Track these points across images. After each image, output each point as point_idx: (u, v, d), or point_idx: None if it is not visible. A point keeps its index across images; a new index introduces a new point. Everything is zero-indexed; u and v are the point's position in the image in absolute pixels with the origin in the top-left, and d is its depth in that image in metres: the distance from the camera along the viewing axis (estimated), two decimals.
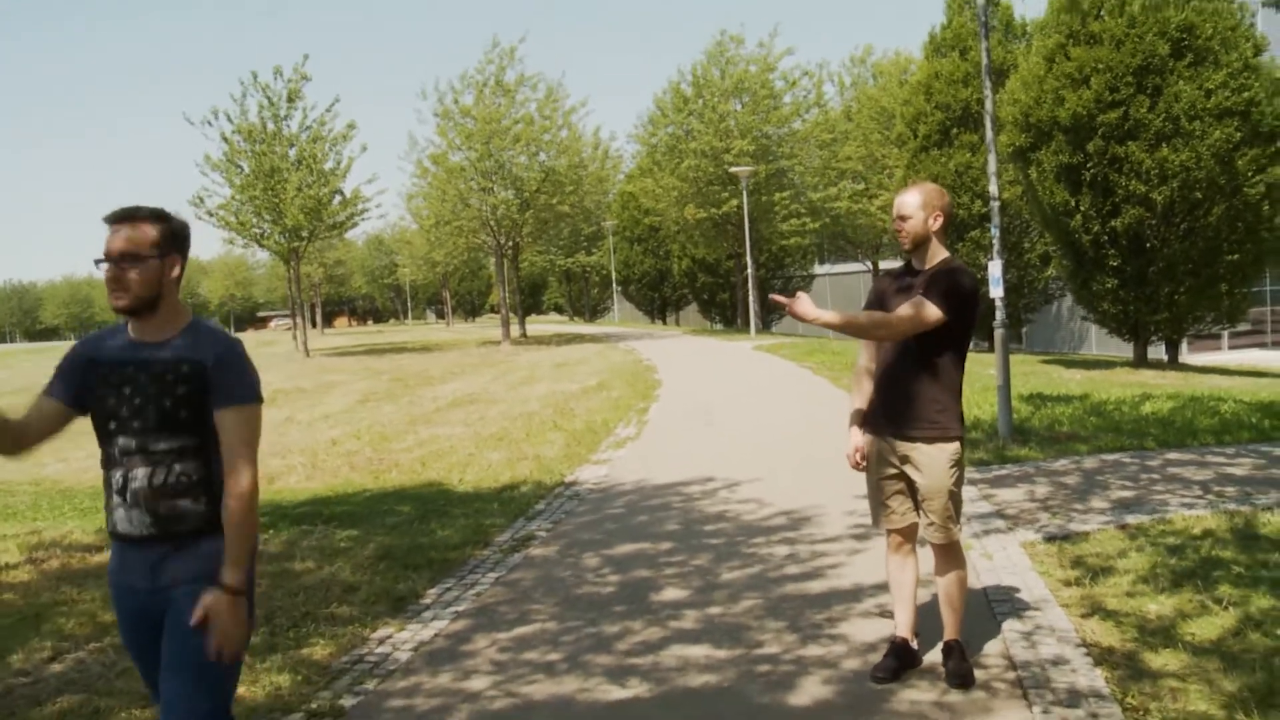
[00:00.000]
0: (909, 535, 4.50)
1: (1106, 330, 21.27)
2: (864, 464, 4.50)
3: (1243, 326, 35.89)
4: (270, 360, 35.26)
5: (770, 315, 41.34)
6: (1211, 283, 18.53)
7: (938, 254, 4.38)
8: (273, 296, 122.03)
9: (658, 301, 61.15)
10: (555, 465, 10.65)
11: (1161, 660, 4.59)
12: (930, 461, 4.27)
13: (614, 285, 62.38)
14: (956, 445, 4.33)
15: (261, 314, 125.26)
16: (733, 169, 34.71)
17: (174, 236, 2.95)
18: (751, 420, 13.60)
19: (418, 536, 7.73)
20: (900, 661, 4.56)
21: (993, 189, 11.40)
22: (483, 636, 5.51)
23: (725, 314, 50.74)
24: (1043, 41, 19.17)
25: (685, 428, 13.19)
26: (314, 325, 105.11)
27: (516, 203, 34.54)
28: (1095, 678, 4.45)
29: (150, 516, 2.87)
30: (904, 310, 4.20)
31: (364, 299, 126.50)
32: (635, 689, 4.65)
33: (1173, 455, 9.45)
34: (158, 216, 2.94)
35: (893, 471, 4.38)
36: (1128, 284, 18.58)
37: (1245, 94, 17.08)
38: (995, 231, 11.26)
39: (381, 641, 5.50)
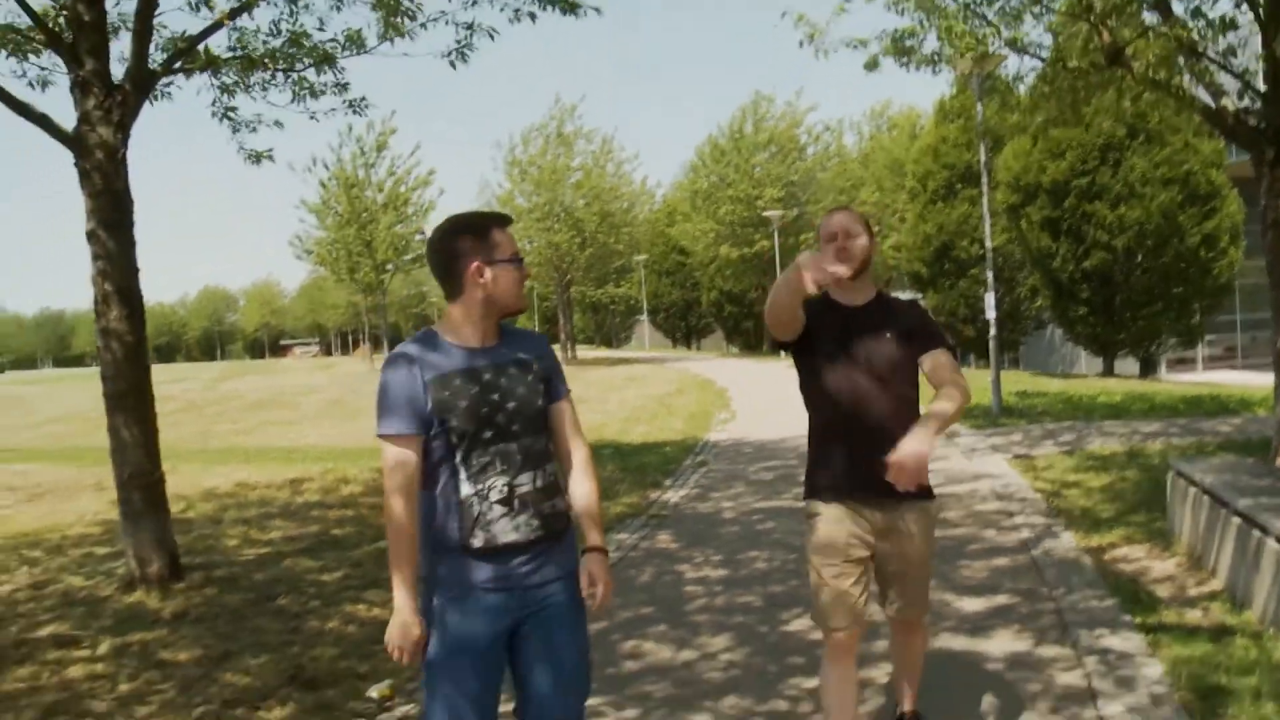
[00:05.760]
0: (861, 631, 3.73)
1: (1081, 347, 26.21)
2: None
3: (1217, 351, 40.84)
4: (369, 379, 39.74)
5: None
6: (1164, 311, 23.47)
7: (869, 283, 3.73)
8: (298, 325, 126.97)
9: (683, 329, 66.13)
10: (690, 432, 15.52)
11: (1070, 491, 9.40)
12: (926, 521, 3.67)
13: (645, 314, 67.30)
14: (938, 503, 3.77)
15: (284, 342, 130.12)
16: (765, 213, 39.73)
17: None
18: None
19: (636, 461, 12.52)
20: None
21: (987, 241, 16.26)
22: (713, 493, 10.34)
23: (748, 340, 55.67)
24: None
25: (765, 413, 18.00)
26: (335, 352, 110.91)
27: (578, 240, 39.55)
28: (1036, 496, 9.26)
29: (538, 519, 2.89)
30: (956, 375, 3.55)
31: (389, 329, 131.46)
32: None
33: (1108, 423, 14.25)
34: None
35: (864, 554, 3.61)
36: (1096, 311, 23.60)
37: (1184, 167, 22.14)
38: (990, 272, 16.12)
39: (658, 497, 10.28)
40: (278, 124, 9.12)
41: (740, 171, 42.23)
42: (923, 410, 3.50)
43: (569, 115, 39.94)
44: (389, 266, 38.90)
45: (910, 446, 3.23)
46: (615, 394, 24.42)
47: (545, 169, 39.01)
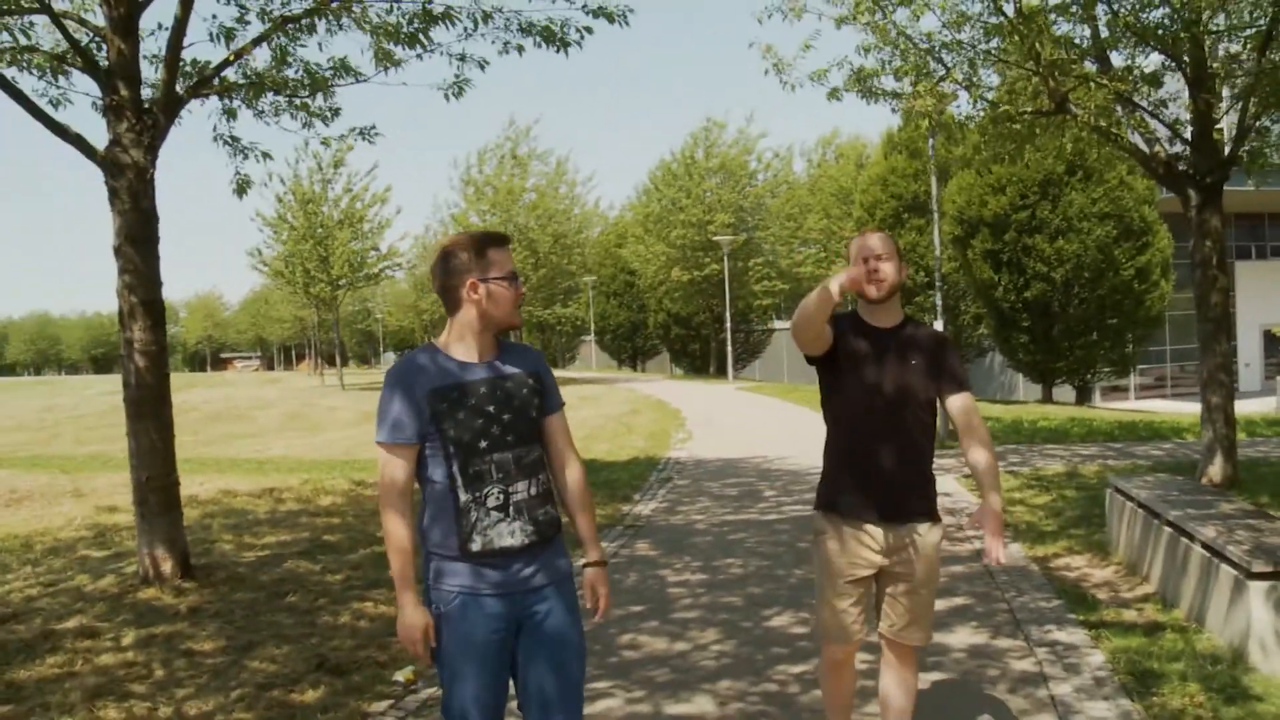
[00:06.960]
0: (857, 648, 3.92)
1: (1021, 375, 27.25)
2: None
3: (1148, 380, 42.28)
4: (321, 394, 39.74)
5: (739, 364, 47.14)
6: (1100, 341, 24.57)
7: (897, 307, 3.79)
8: (241, 339, 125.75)
9: (630, 351, 66.74)
10: (651, 450, 16.07)
11: (1016, 508, 10.10)
12: (931, 544, 3.73)
13: (592, 335, 67.82)
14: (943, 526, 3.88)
15: (225, 355, 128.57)
16: (716, 237, 40.51)
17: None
18: (763, 428, 19.06)
19: (603, 476, 13.05)
20: None
21: (937, 271, 17.06)
22: (682, 506, 10.90)
23: (694, 363, 56.45)
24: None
25: (720, 432, 18.64)
26: (278, 367, 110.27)
27: (531, 260, 40.05)
28: None
29: (532, 525, 3.06)
30: (981, 422, 3.75)
31: (325, 344, 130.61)
32: (774, 517, 10.03)
33: (1049, 446, 15.06)
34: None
35: (867, 573, 3.74)
36: (1036, 340, 24.62)
37: (1119, 203, 23.26)
38: (939, 300, 16.91)
39: (630, 509, 10.83)
40: (266, 155, 9.41)
41: (692, 196, 43.03)
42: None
43: (524, 137, 40.57)
44: (343, 282, 39.09)
45: (994, 512, 3.60)
46: (572, 413, 24.59)
47: (500, 189, 39.53)
